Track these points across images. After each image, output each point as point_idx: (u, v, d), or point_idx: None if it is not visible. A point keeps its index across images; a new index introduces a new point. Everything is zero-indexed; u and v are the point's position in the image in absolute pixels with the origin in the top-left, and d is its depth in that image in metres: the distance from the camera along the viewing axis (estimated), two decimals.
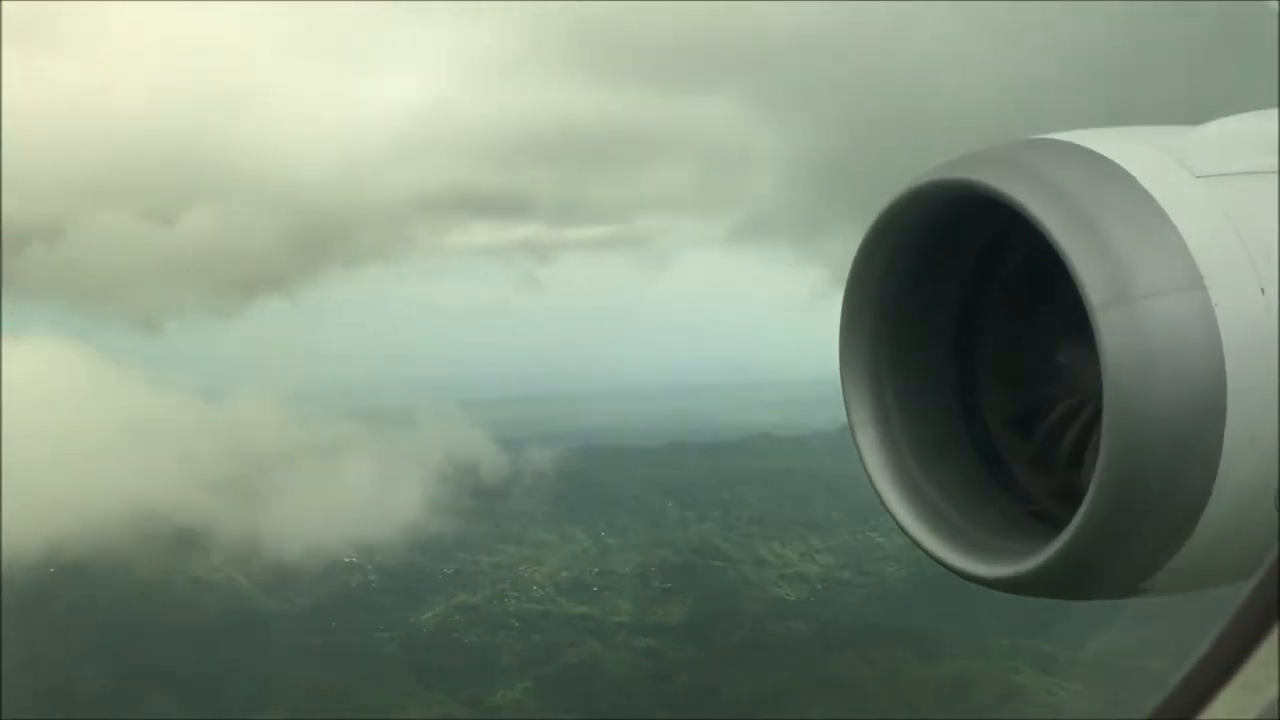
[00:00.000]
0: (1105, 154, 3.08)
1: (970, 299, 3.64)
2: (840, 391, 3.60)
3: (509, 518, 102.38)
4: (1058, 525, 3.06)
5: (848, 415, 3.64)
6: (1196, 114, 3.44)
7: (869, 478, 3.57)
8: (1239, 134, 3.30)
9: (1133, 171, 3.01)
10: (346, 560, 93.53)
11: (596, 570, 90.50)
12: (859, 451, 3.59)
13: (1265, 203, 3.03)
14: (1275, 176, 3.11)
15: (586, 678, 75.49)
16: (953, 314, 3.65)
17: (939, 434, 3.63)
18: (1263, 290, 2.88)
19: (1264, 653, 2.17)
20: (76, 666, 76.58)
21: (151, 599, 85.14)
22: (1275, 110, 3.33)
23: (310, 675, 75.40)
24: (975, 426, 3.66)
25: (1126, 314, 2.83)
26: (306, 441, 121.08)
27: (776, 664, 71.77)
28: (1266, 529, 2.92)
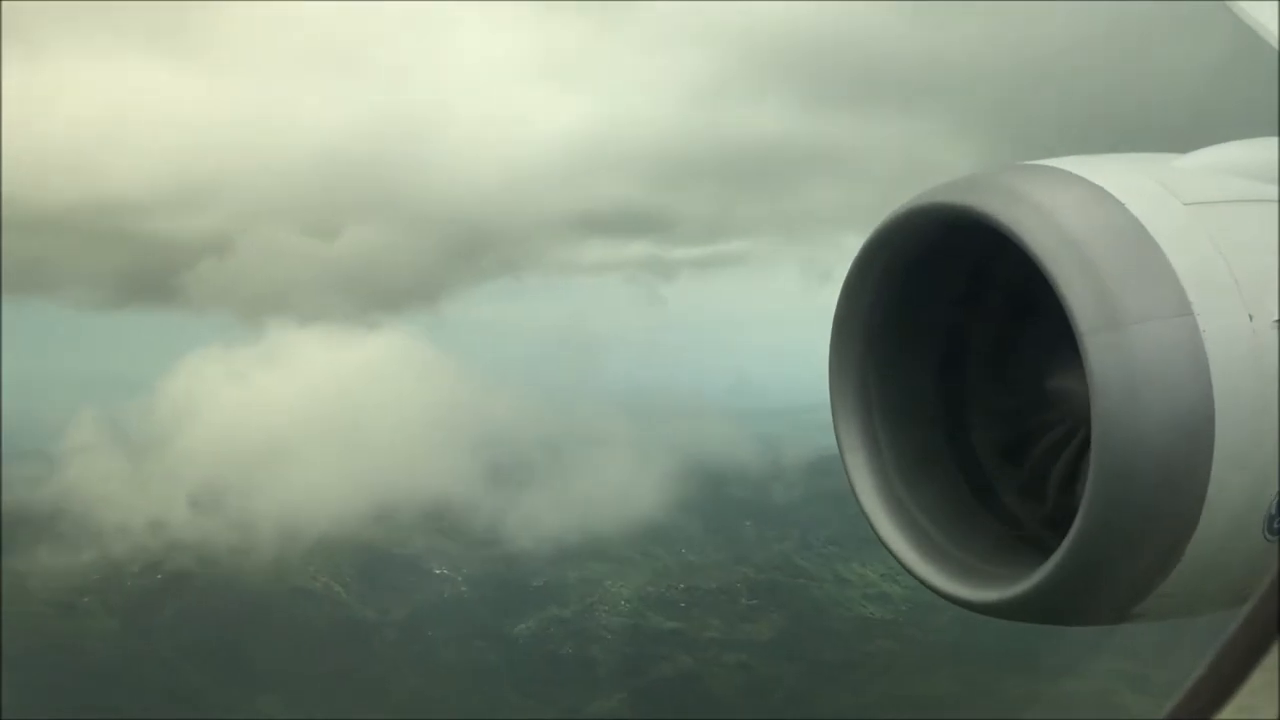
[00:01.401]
0: (1095, 181, 3.07)
1: (960, 323, 3.62)
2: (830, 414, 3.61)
3: (592, 534, 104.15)
4: (1046, 550, 3.03)
5: (837, 438, 3.62)
6: (1186, 142, 3.46)
7: (857, 501, 3.57)
8: (1227, 162, 3.32)
9: (1122, 199, 3.01)
10: (437, 571, 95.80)
11: (682, 586, 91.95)
12: (848, 475, 3.58)
13: (1253, 231, 3.03)
14: (1263, 205, 3.15)
15: (681, 691, 77.04)
16: (942, 338, 3.63)
17: (928, 458, 3.60)
18: (1250, 317, 2.87)
19: (1260, 676, 2.15)
20: (184, 669, 79.11)
21: (254, 605, 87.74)
22: (1263, 139, 3.42)
23: (411, 683, 77.79)
24: (964, 451, 3.64)
25: (1115, 340, 2.80)
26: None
27: (870, 681, 73.19)
28: (1255, 555, 2.91)
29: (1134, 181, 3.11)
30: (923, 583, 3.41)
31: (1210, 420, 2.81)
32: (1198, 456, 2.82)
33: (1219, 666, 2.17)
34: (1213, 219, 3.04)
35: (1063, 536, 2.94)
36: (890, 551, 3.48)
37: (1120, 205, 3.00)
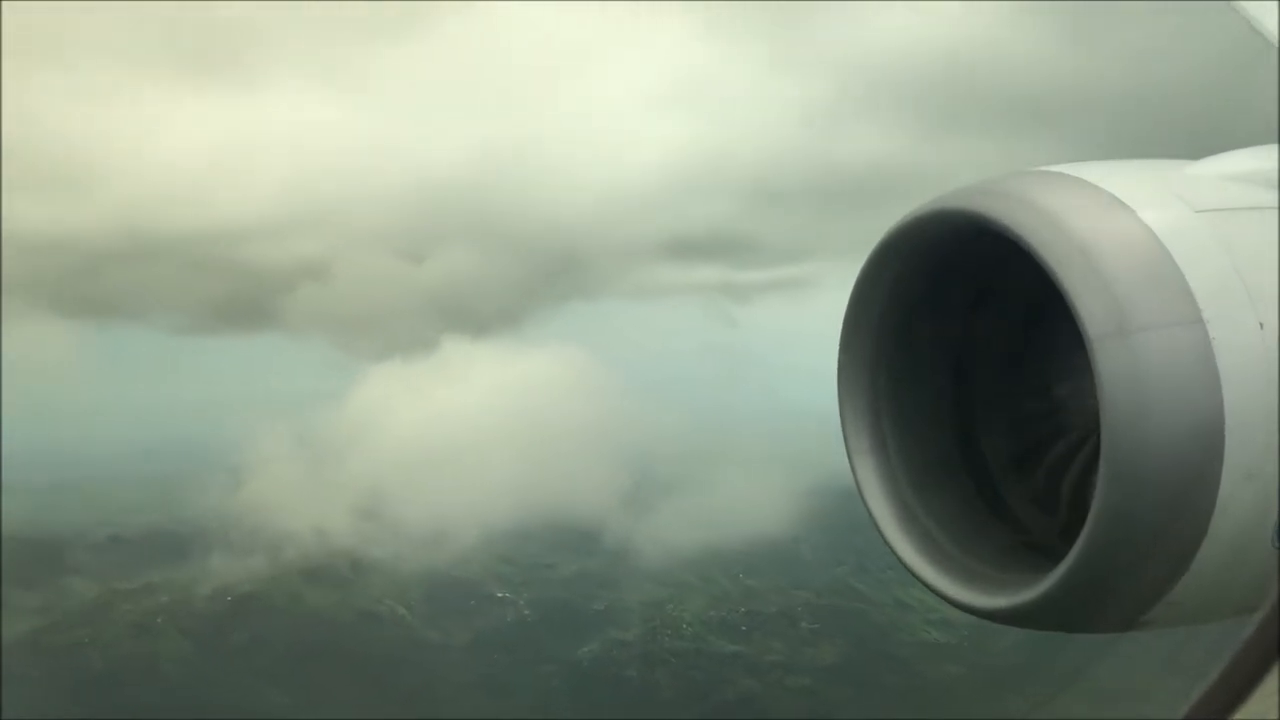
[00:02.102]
0: (1105, 187, 3.05)
1: (969, 329, 3.60)
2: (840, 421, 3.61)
3: (649, 558, 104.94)
4: (1054, 557, 3.01)
5: (845, 444, 3.61)
6: (1197, 148, 3.43)
7: (866, 507, 3.55)
8: (1239, 169, 3.27)
9: (1133, 205, 2.99)
10: (499, 595, 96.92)
11: (743, 610, 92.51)
12: (856, 480, 3.57)
13: (1264, 238, 3.00)
14: (1274, 212, 3.11)
15: (747, 714, 77.75)
16: (951, 344, 3.62)
17: (936, 464, 3.59)
18: (1261, 325, 2.84)
19: (1275, 680, 2.16)
20: (253, 691, 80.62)
21: (320, 629, 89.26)
22: (1275, 146, 3.35)
23: (479, 705, 78.86)
24: (973, 457, 3.62)
25: (1125, 347, 2.79)
26: None
27: (938, 704, 73.36)
28: (1264, 565, 2.89)
29: (1145, 188, 3.09)
30: (930, 589, 3.42)
31: (1220, 428, 2.79)
32: (1208, 464, 2.80)
33: (1233, 670, 2.17)
34: (1224, 226, 3.02)
35: (1071, 544, 2.93)
36: (898, 558, 3.48)
37: (1131, 212, 2.99)
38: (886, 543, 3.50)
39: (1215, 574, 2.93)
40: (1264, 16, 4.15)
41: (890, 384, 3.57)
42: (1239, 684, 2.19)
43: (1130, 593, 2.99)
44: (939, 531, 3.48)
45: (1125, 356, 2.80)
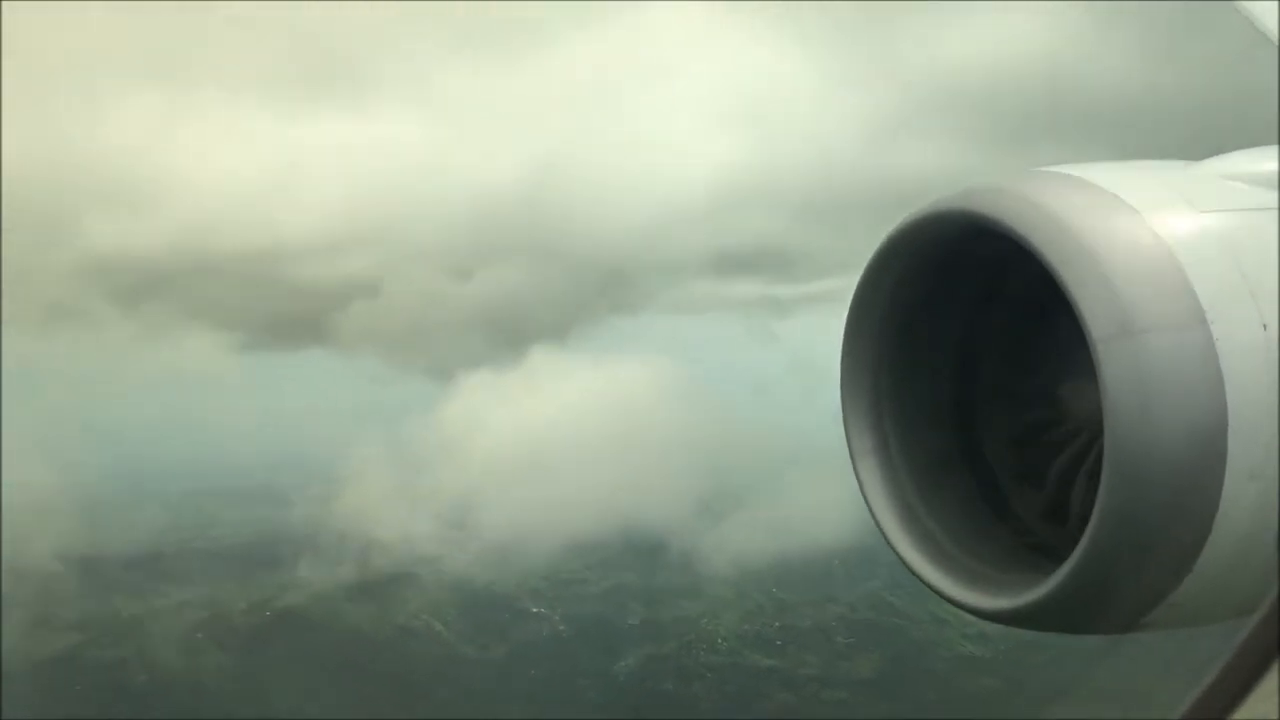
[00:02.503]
0: (1109, 188, 3.05)
1: (972, 330, 3.60)
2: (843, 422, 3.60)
3: (682, 574, 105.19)
4: (1057, 559, 3.01)
5: (848, 444, 3.61)
6: (1201, 149, 3.40)
7: (869, 508, 3.54)
8: (1243, 170, 3.25)
9: (1136, 206, 2.98)
10: (534, 610, 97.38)
11: (777, 625, 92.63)
12: (859, 481, 3.57)
13: (1269, 239, 2.98)
14: (1278, 213, 3.08)
15: None
16: (954, 345, 3.61)
17: (939, 465, 3.59)
18: (1265, 327, 2.83)
19: (1267, 686, 2.15)
20: (292, 705, 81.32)
21: (359, 643, 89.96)
22: (1278, 146, 3.33)
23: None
24: (975, 458, 3.62)
25: (1128, 348, 2.78)
26: None
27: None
28: (1267, 567, 2.89)
29: (1149, 189, 3.08)
30: (933, 589, 3.41)
31: (1224, 430, 2.79)
32: (1211, 466, 2.80)
33: (1232, 669, 2.16)
34: (1229, 227, 3.01)
35: (1074, 545, 2.93)
36: (901, 559, 3.48)
37: (1134, 213, 2.98)
38: (889, 544, 3.50)
39: (1218, 576, 2.92)
40: (1265, 16, 4.11)
41: (893, 385, 3.58)
42: (1238, 683, 2.17)
43: (1133, 594, 2.98)
44: (941, 532, 3.49)
45: (1129, 358, 2.79)
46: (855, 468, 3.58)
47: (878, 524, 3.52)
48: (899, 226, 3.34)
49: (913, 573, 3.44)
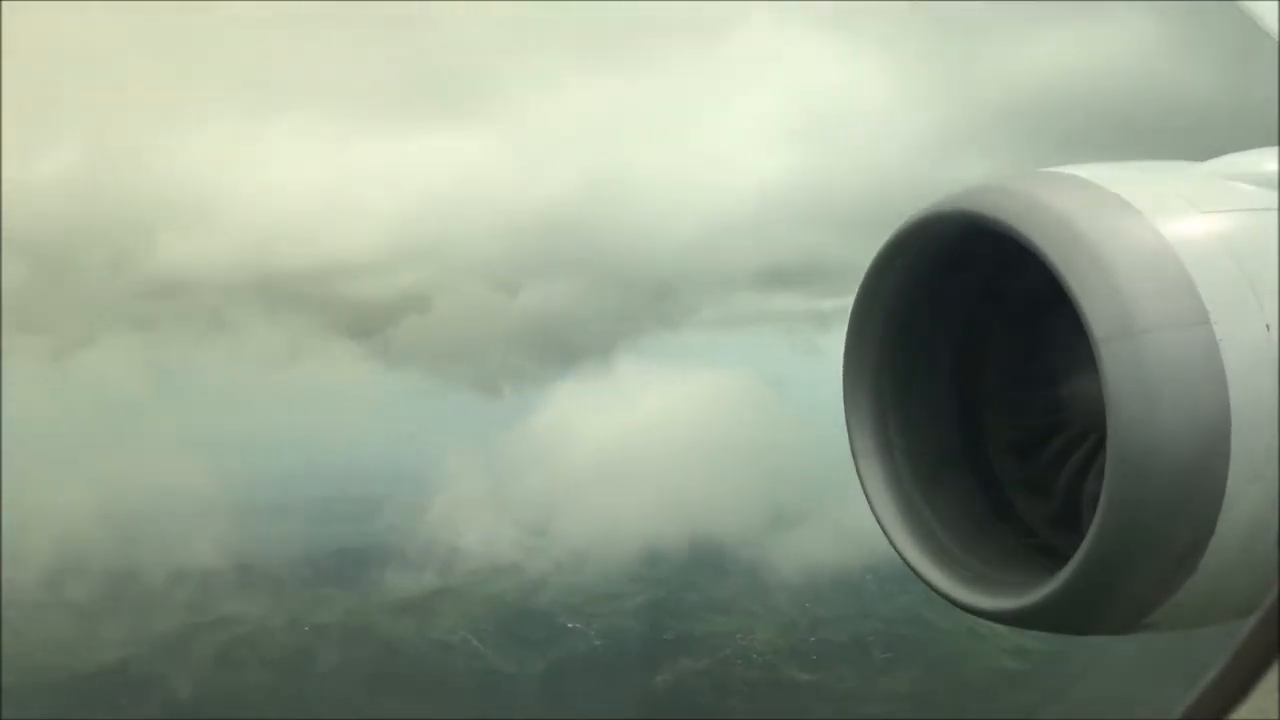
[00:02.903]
0: (1111, 188, 3.04)
1: (974, 330, 3.60)
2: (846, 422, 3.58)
3: (716, 589, 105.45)
4: (1059, 558, 3.00)
5: (850, 444, 3.61)
6: (1203, 149, 3.41)
7: (871, 507, 3.53)
8: (1245, 170, 3.25)
9: (1139, 206, 2.98)
10: (570, 626, 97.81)
11: (813, 639, 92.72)
12: (861, 480, 3.56)
13: (1271, 239, 2.97)
14: (1279, 213, 3.08)
15: None
16: (956, 344, 3.61)
17: (941, 464, 3.58)
18: (1268, 326, 2.83)
19: (1267, 685, 2.15)
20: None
21: (395, 658, 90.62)
22: (1279, 147, 3.33)
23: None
24: (978, 458, 3.62)
25: (1131, 348, 2.78)
26: None
27: None
28: (1270, 566, 2.87)
29: (1151, 189, 3.08)
30: (935, 590, 3.40)
31: (1227, 430, 2.79)
32: (1214, 466, 2.79)
33: (1233, 668, 2.15)
34: (1231, 227, 3.01)
35: (1076, 545, 2.93)
36: (903, 558, 3.47)
37: (1137, 213, 2.98)
38: (891, 544, 3.49)
39: (1220, 576, 2.91)
40: (1265, 16, 4.08)
41: (895, 384, 3.57)
42: (1239, 682, 2.16)
43: (1135, 595, 2.97)
44: (944, 532, 3.47)
45: (1131, 358, 2.79)
46: (857, 467, 3.60)
47: (880, 524, 3.52)
48: (902, 226, 3.35)
49: (915, 573, 3.44)
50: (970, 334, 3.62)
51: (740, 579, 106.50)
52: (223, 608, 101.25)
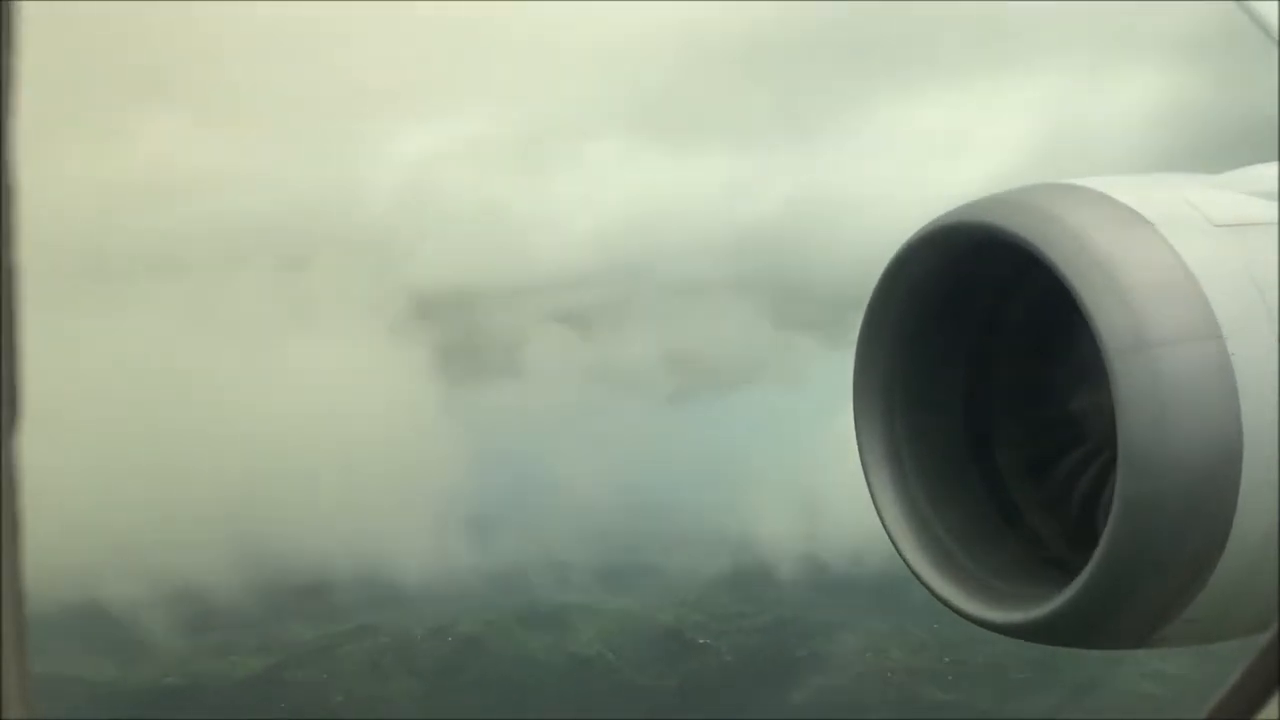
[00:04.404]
0: (1124, 201, 3.03)
1: (985, 341, 3.58)
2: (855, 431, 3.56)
3: (837, 609, 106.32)
4: (1069, 571, 3.03)
5: (860, 455, 3.60)
6: (1216, 163, 3.41)
7: (881, 519, 3.56)
8: (1258, 184, 3.25)
9: (1151, 219, 2.97)
10: (701, 642, 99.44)
11: (947, 660, 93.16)
12: (871, 492, 3.57)
13: None
14: (1278, 226, 3.06)
15: None
16: (968, 356, 3.59)
17: (952, 476, 3.57)
18: None
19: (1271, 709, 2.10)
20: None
21: (533, 670, 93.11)
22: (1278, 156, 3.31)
23: None
24: (988, 470, 3.61)
25: (1143, 361, 2.78)
26: None
27: None
28: None
29: (1163, 202, 3.05)
30: (944, 602, 3.41)
31: (1238, 443, 2.76)
32: (1225, 480, 2.77)
33: (1255, 671, 2.13)
34: (1243, 241, 2.99)
35: (1087, 558, 2.90)
36: (912, 570, 3.48)
37: (1150, 226, 2.95)
38: (900, 554, 3.50)
39: (1232, 590, 2.88)
40: (1265, 16, 4.05)
41: (905, 395, 3.56)
42: (1261, 685, 2.14)
43: (1146, 609, 2.95)
44: (955, 545, 3.48)
45: (1144, 370, 2.77)
46: (867, 477, 3.59)
47: (889, 535, 3.53)
48: (912, 239, 3.33)
49: (924, 585, 3.46)
50: (981, 345, 3.61)
51: (861, 599, 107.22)
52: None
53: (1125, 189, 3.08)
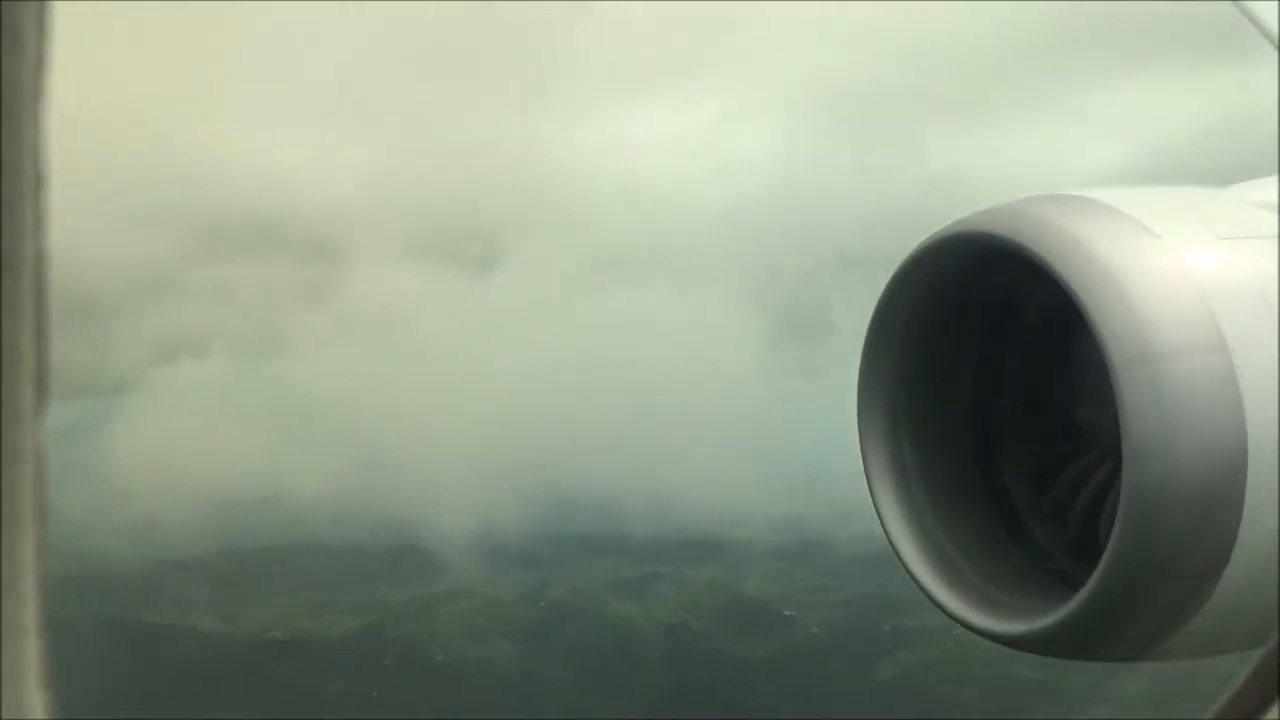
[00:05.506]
0: (1130, 212, 3.05)
1: (989, 352, 3.64)
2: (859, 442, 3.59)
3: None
4: (1074, 583, 3.10)
5: (864, 466, 3.66)
6: (1222, 175, 3.45)
7: (884, 530, 3.61)
8: (1266, 196, 3.28)
9: (1157, 230, 2.99)
10: (786, 614, 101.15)
11: None
12: (875, 503, 3.63)
13: None
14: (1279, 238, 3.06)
15: None
16: (972, 367, 3.65)
17: (956, 487, 3.63)
18: None
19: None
20: (566, 696, 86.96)
21: (620, 637, 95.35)
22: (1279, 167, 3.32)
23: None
24: (993, 481, 3.67)
25: (1148, 374, 2.81)
26: None
27: None
28: None
29: (1171, 213, 3.06)
30: (947, 613, 3.45)
31: (1243, 457, 2.78)
32: (1230, 493, 2.79)
33: (1263, 670, 2.20)
34: (1250, 253, 2.99)
35: (1090, 570, 2.94)
36: (916, 581, 3.51)
37: (1156, 237, 2.95)
38: (903, 565, 3.55)
39: (1236, 604, 2.90)
40: (1265, 16, 4.04)
41: (910, 407, 3.61)
42: (1269, 684, 2.14)
43: (1150, 621, 2.97)
44: (958, 555, 3.52)
45: (1149, 382, 2.79)
46: (870, 487, 3.64)
47: (892, 545, 3.56)
48: (917, 249, 3.35)
49: (926, 594, 3.50)
50: (985, 356, 3.66)
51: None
52: None
53: (1131, 200, 3.11)
